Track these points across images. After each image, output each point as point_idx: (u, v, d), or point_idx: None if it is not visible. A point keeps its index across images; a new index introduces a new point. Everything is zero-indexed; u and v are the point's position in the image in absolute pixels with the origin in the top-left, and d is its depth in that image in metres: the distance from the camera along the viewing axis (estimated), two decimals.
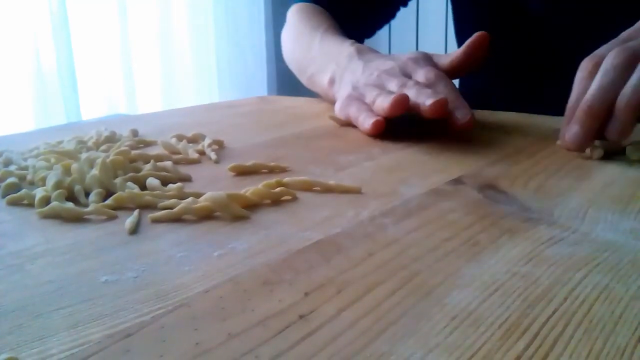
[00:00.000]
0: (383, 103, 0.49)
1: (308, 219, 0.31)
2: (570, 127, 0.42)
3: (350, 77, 0.59)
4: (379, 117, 0.50)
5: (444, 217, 0.30)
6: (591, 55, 0.44)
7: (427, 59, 0.57)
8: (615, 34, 0.47)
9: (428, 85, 0.51)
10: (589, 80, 0.43)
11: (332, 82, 0.63)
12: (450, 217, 0.30)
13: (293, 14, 0.80)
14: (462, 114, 0.48)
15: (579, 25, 0.68)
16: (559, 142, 0.44)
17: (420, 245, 0.27)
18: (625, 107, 0.40)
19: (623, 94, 0.41)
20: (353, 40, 0.65)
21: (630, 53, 0.41)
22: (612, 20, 0.49)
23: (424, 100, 0.47)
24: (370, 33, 0.86)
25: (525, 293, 0.22)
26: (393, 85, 0.53)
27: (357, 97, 0.55)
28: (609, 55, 0.42)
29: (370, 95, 0.53)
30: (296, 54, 0.76)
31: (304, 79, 0.73)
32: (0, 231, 0.30)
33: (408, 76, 0.55)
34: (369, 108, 0.52)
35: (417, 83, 0.51)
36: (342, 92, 0.58)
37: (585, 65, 0.44)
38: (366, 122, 0.50)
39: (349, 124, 0.55)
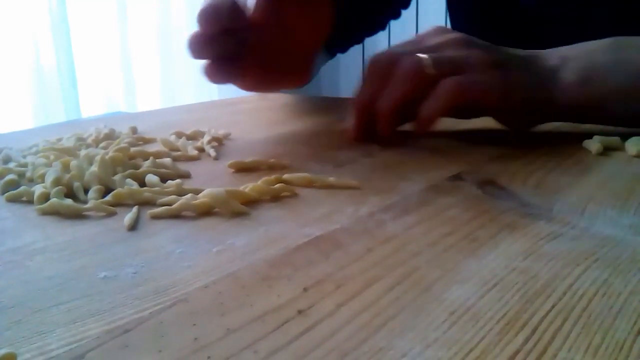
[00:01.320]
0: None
1: (307, 215, 0.31)
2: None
3: None
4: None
5: (443, 213, 0.30)
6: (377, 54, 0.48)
7: None
8: (605, 26, 0.47)
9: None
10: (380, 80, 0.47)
11: None
12: (449, 213, 0.30)
13: None
14: None
15: (571, 18, 0.67)
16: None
17: (419, 241, 0.27)
18: (378, 110, 0.46)
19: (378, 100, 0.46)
20: None
21: (387, 60, 0.46)
22: (602, 13, 0.50)
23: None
24: (360, 41, 0.85)
25: (524, 288, 0.22)
26: None
27: None
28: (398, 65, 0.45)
29: None
30: None
31: None
32: None
33: None
34: None
35: None
36: None
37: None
38: None
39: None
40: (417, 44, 0.48)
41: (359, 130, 0.48)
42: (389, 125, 0.46)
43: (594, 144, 0.42)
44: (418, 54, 0.45)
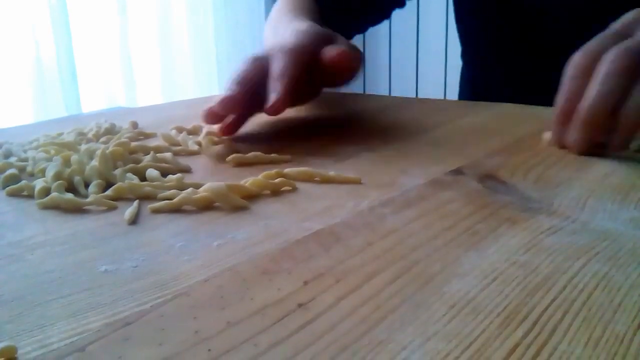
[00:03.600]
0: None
1: (307, 209, 0.31)
2: (571, 133, 0.41)
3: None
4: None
5: (444, 207, 0.30)
6: (583, 50, 0.42)
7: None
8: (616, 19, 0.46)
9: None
10: (582, 79, 0.41)
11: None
12: (449, 207, 0.30)
13: (277, 2, 0.76)
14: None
15: (579, 14, 0.67)
16: (546, 137, 0.43)
17: (419, 235, 0.27)
18: (629, 122, 0.39)
19: (627, 108, 0.39)
20: (312, 23, 0.58)
21: (630, 57, 0.39)
22: (610, 8, 0.49)
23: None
24: (361, 30, 0.85)
25: (525, 282, 0.22)
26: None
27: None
28: (607, 58, 0.40)
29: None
30: (267, 40, 0.70)
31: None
32: (0, 222, 0.30)
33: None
34: None
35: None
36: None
37: (577, 62, 0.42)
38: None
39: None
40: (626, 36, 0.42)
41: (590, 144, 0.40)
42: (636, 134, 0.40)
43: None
44: None
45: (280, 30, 0.61)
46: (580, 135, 0.41)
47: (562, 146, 0.42)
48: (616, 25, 0.45)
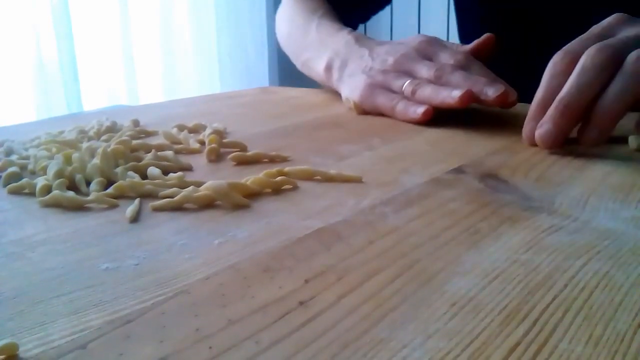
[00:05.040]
0: (432, 94, 0.51)
1: (309, 207, 0.31)
2: (543, 124, 0.41)
3: (358, 64, 0.59)
4: (427, 106, 0.51)
5: (445, 206, 0.30)
6: (564, 50, 0.43)
7: (440, 42, 0.58)
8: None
9: (460, 67, 0.52)
10: (562, 77, 0.41)
11: (328, 68, 0.64)
12: (450, 206, 0.30)
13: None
14: (493, 90, 0.49)
15: (579, 14, 0.67)
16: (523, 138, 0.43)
17: (420, 234, 0.27)
18: (604, 114, 0.39)
19: (604, 101, 0.39)
20: (350, 29, 0.66)
21: (609, 53, 0.40)
22: (610, 8, 0.49)
23: (486, 90, 0.49)
24: (365, 18, 0.87)
25: (525, 280, 0.22)
26: (423, 70, 0.54)
27: (380, 84, 0.56)
28: (588, 53, 0.40)
29: (397, 83, 0.54)
30: (292, 37, 0.76)
31: (298, 63, 0.73)
32: (1, 219, 0.30)
33: (429, 59, 0.55)
34: (404, 96, 0.53)
35: (451, 66, 0.52)
36: (356, 81, 0.59)
37: (558, 61, 0.42)
38: (411, 110, 0.52)
39: (367, 112, 0.57)
40: (607, 36, 0.43)
41: (566, 136, 0.41)
42: (612, 129, 0.40)
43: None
44: (636, 47, 0.40)
45: (313, 33, 0.68)
46: (553, 125, 0.40)
47: (533, 143, 0.42)
48: (597, 29, 0.45)
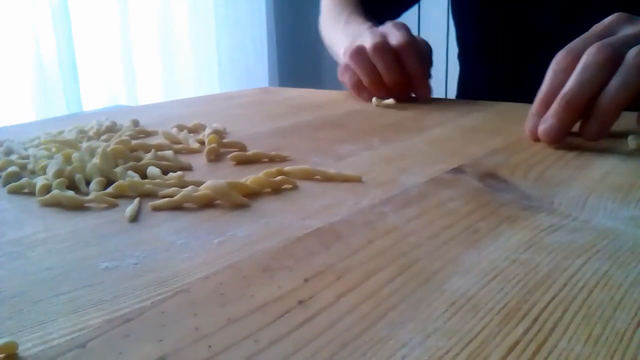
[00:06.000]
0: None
1: (308, 207, 0.31)
2: (546, 119, 0.42)
3: (367, 36, 0.67)
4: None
5: (444, 206, 0.30)
6: (566, 49, 0.43)
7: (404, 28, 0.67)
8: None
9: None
10: (565, 74, 0.42)
11: (345, 52, 0.70)
12: (450, 206, 0.30)
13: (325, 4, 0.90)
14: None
15: (576, 14, 0.67)
16: (527, 132, 0.44)
17: (419, 233, 0.27)
18: (606, 108, 0.40)
19: (605, 94, 0.40)
20: (371, 23, 0.74)
21: (611, 50, 0.40)
22: (606, 7, 0.49)
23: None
24: (395, 15, 0.92)
25: (525, 279, 0.22)
26: (393, 36, 0.64)
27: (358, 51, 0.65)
28: (589, 51, 0.41)
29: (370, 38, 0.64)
30: (328, 33, 0.88)
31: (331, 51, 0.87)
32: (0, 219, 0.30)
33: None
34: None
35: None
36: (362, 36, 0.67)
37: (561, 59, 0.43)
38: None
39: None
40: (608, 35, 0.43)
41: (564, 131, 0.41)
42: (612, 124, 0.41)
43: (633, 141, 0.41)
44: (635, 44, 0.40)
45: (347, 29, 0.78)
46: (556, 120, 0.41)
47: (536, 138, 0.43)
48: (598, 28, 0.45)
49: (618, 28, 0.44)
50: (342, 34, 0.78)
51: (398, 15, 0.93)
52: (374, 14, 0.81)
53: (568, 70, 0.42)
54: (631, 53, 0.40)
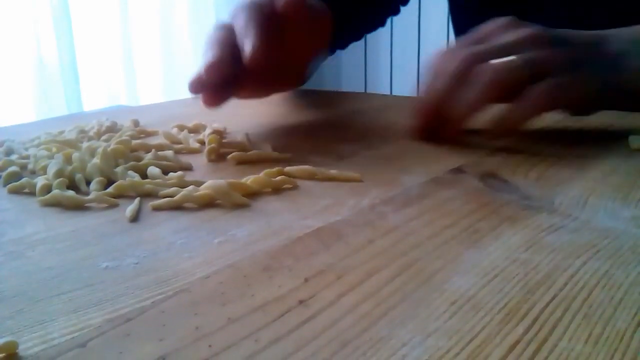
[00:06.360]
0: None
1: (308, 207, 0.31)
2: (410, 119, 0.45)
3: None
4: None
5: (445, 205, 0.30)
6: (442, 50, 0.46)
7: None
8: (612, 19, 0.46)
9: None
10: (430, 76, 0.45)
11: None
12: (450, 205, 0.30)
13: None
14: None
15: (572, 14, 0.67)
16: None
17: (420, 233, 0.27)
18: (453, 116, 0.43)
19: (453, 104, 0.42)
20: None
21: (468, 61, 0.42)
22: (606, 14, 0.50)
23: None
24: (370, 29, 0.85)
25: (525, 279, 0.22)
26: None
27: None
28: (447, 59, 0.44)
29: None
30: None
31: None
32: (1, 219, 0.30)
33: None
34: None
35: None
36: None
37: (432, 60, 0.45)
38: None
39: None
40: (486, 40, 0.45)
41: (425, 130, 0.45)
42: (461, 128, 0.44)
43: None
44: (501, 56, 0.42)
45: None
46: (413, 120, 0.44)
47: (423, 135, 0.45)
48: (477, 33, 0.46)
49: (497, 34, 0.45)
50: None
51: (374, 28, 0.84)
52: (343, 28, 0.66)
53: (432, 72, 0.45)
54: (481, 67, 0.42)
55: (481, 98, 0.42)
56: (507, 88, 0.42)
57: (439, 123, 0.44)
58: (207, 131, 0.48)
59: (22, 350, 0.18)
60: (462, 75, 0.42)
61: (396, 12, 0.85)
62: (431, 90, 0.44)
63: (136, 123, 0.54)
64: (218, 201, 0.32)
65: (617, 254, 0.24)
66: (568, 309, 0.20)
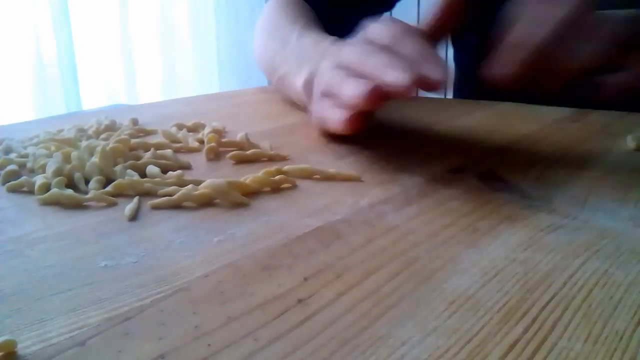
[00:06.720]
0: (354, 90, 0.37)
1: (308, 206, 0.31)
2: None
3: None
4: (349, 112, 0.39)
5: (444, 205, 0.30)
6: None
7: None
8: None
9: (394, 43, 0.39)
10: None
11: (308, 84, 0.50)
12: (449, 205, 0.30)
13: (270, 5, 0.71)
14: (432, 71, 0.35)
15: None
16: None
17: (419, 232, 0.27)
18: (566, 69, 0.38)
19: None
20: (335, 37, 0.53)
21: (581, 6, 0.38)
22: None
23: (387, 77, 0.35)
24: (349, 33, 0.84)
25: (525, 278, 0.22)
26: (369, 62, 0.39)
27: (325, 91, 0.43)
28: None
29: (336, 81, 0.40)
30: (268, 50, 0.64)
31: (273, 79, 0.62)
32: (0, 217, 0.30)
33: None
34: (340, 101, 0.40)
35: (382, 48, 0.39)
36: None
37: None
38: (334, 118, 0.40)
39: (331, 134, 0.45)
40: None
41: (523, 80, 0.38)
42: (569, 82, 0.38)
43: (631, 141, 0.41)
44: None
45: (293, 44, 0.57)
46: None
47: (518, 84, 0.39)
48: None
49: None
50: (293, 51, 0.56)
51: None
52: (331, 28, 0.60)
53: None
54: (602, 18, 0.38)
55: (604, 52, 0.37)
56: (624, 50, 0.38)
57: (539, 74, 0.39)
58: (206, 130, 0.48)
59: (21, 348, 0.18)
60: (572, 24, 0.37)
61: (390, 6, 0.84)
62: (534, 37, 0.38)
63: (135, 122, 0.53)
64: (217, 200, 0.32)
65: (616, 254, 0.24)
66: (567, 308, 0.20)
